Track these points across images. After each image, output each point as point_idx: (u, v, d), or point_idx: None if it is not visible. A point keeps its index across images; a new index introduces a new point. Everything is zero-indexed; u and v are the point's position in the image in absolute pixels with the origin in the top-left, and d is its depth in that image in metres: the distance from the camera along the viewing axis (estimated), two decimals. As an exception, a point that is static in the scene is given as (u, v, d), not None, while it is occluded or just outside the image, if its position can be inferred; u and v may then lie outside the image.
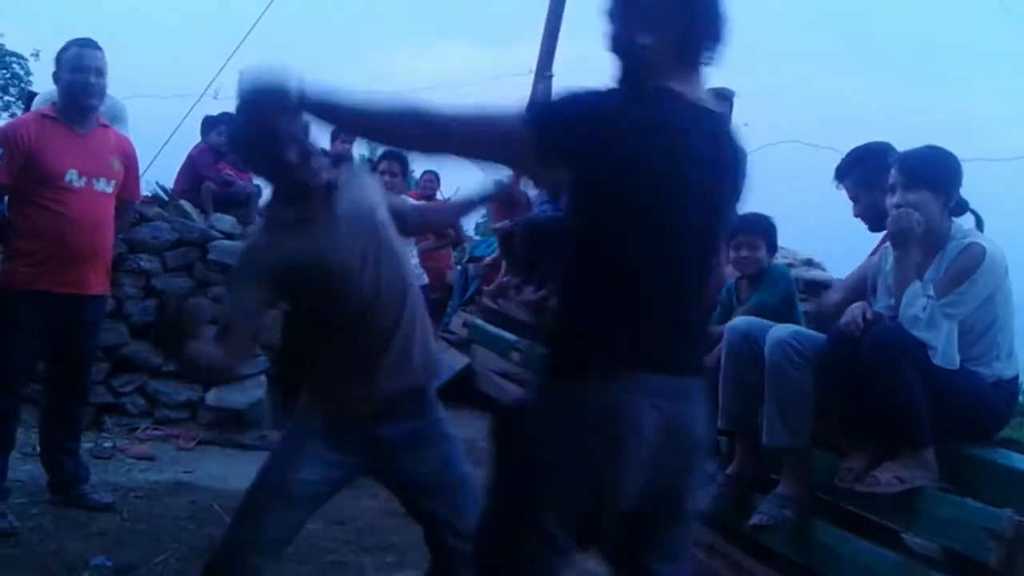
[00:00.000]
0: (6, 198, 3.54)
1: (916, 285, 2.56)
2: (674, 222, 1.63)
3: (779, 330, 2.80)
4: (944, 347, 2.49)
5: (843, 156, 3.15)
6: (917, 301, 2.52)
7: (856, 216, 3.10)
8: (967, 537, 2.26)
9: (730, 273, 3.55)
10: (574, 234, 1.70)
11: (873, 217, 3.01)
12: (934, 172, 2.68)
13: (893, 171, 2.71)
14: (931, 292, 2.53)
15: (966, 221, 2.76)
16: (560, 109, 1.65)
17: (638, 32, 1.66)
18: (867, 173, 2.98)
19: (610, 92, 1.66)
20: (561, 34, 8.46)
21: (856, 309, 2.62)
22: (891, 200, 2.69)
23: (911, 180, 2.65)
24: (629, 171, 1.58)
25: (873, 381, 2.49)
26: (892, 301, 2.65)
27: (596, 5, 1.74)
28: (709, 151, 1.65)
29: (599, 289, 1.64)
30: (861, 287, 2.95)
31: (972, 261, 2.54)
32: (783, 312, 3.16)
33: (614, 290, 1.63)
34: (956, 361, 2.51)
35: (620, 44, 1.70)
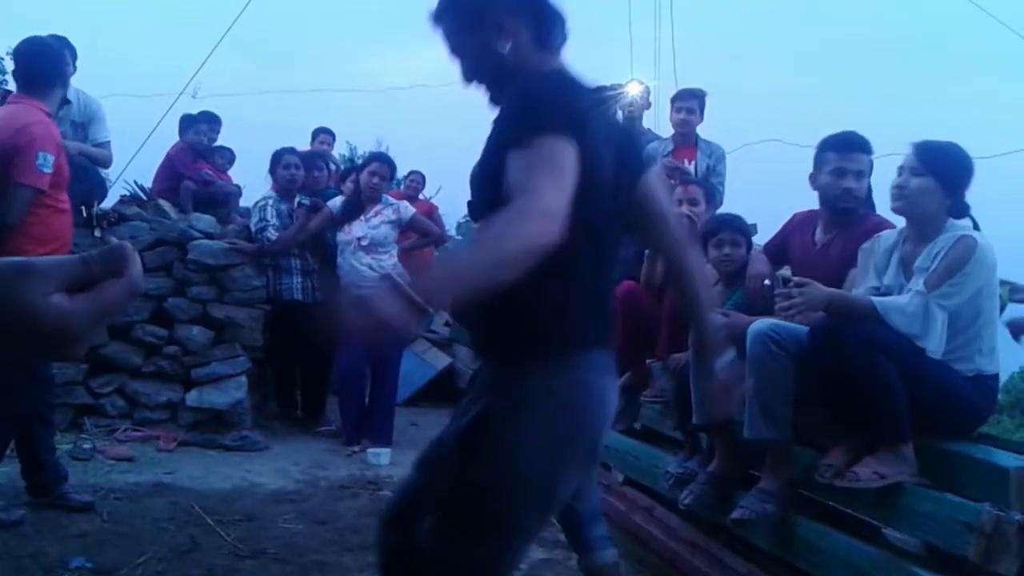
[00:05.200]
0: None
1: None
2: (596, 199, 1.61)
3: (759, 323, 2.82)
4: (939, 338, 2.53)
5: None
6: (902, 297, 2.58)
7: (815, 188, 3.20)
8: (946, 531, 2.28)
9: (709, 271, 3.54)
10: None
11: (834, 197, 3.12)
12: (947, 165, 2.69)
13: (908, 153, 2.72)
14: (921, 287, 2.55)
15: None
16: (566, 112, 1.56)
17: (494, 44, 1.72)
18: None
19: (558, 79, 1.68)
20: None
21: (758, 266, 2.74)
22: (896, 180, 2.72)
23: (923, 165, 2.67)
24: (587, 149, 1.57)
25: (853, 377, 2.51)
26: (878, 283, 2.69)
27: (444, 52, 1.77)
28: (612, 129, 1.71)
29: (551, 268, 1.52)
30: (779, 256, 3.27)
31: (966, 252, 2.56)
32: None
33: (565, 268, 1.60)
34: (941, 351, 2.54)
35: (483, 65, 1.75)
